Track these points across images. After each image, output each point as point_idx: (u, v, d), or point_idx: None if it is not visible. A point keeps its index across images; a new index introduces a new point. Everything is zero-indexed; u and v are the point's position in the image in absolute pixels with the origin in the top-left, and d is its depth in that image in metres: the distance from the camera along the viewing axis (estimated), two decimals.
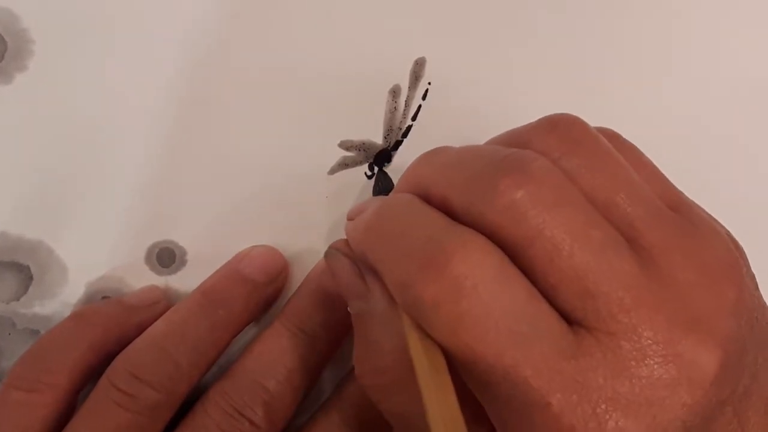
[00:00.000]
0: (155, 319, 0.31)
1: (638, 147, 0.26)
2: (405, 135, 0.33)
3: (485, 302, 0.22)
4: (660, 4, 0.34)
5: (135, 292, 0.33)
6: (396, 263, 0.24)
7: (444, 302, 0.22)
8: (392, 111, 0.33)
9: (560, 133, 0.25)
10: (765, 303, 0.25)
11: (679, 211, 0.25)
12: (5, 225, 0.33)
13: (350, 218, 0.29)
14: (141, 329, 0.31)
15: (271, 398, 0.30)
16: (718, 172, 0.34)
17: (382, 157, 0.33)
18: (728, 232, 0.26)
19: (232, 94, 0.33)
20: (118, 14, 0.32)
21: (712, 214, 0.26)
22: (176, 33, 0.33)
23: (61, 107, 0.32)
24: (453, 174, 0.25)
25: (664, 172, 0.26)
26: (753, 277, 0.25)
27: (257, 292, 0.32)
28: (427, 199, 0.25)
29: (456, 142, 0.27)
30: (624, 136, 0.27)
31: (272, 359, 0.31)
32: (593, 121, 0.26)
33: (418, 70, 0.33)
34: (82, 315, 0.31)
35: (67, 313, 0.32)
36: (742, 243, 0.26)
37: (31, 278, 0.33)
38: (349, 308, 0.27)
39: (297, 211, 0.33)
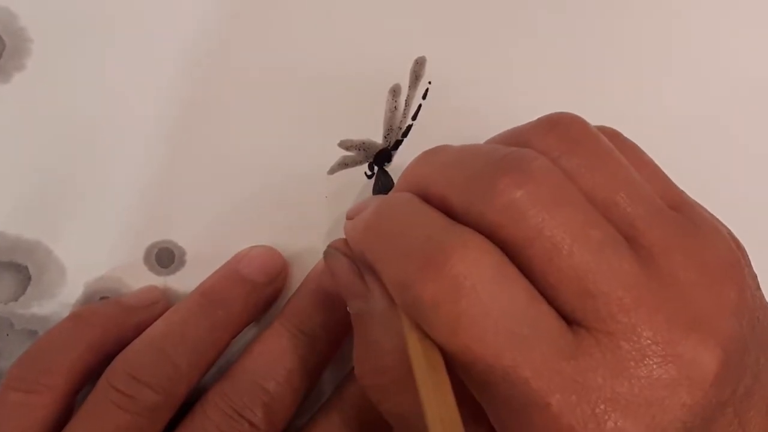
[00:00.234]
0: (154, 320, 0.31)
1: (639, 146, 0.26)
2: (405, 134, 0.33)
3: (484, 302, 0.22)
4: (660, 4, 0.34)
5: (134, 293, 0.33)
6: (395, 263, 0.24)
7: (443, 302, 0.22)
8: (392, 110, 0.33)
9: (560, 132, 0.25)
10: (767, 303, 0.25)
11: (680, 210, 0.25)
12: (3, 225, 0.33)
13: (349, 217, 0.29)
14: (140, 330, 0.31)
15: (271, 399, 0.30)
16: (718, 171, 0.34)
17: (382, 156, 0.33)
18: (730, 231, 0.26)
19: (232, 94, 0.33)
20: (117, 14, 0.32)
21: (714, 214, 0.26)
22: (176, 33, 0.33)
23: (59, 107, 0.32)
24: (452, 173, 0.25)
25: (664, 171, 0.26)
26: (755, 276, 0.25)
27: (257, 293, 0.32)
28: (427, 199, 0.25)
29: (456, 141, 0.27)
30: (624, 135, 0.26)
31: (272, 360, 0.31)
32: (593, 120, 0.26)
33: (418, 69, 0.33)
34: (81, 315, 0.31)
35: (65, 313, 0.32)
36: (743, 243, 0.26)
37: (29, 278, 0.33)
38: (348, 308, 0.27)
39: (297, 211, 0.33)
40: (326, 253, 0.29)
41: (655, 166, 0.26)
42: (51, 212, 0.33)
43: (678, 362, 0.21)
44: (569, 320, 0.22)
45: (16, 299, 0.33)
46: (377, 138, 0.33)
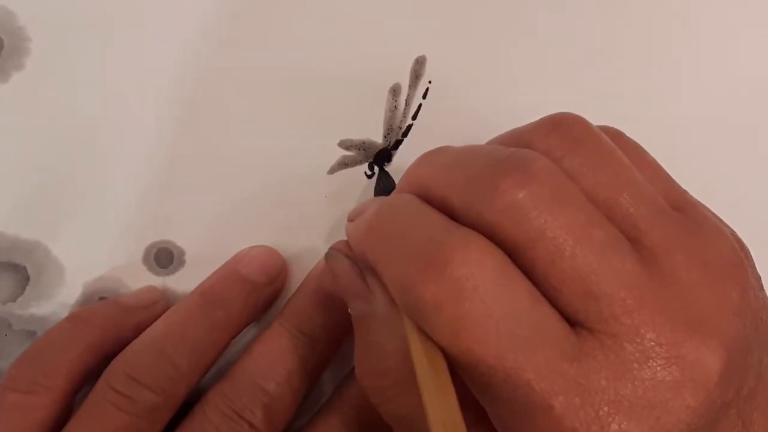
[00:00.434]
0: (153, 320, 0.31)
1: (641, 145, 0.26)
2: (405, 134, 0.33)
3: (486, 304, 0.22)
4: (660, 4, 0.34)
5: (133, 293, 0.33)
6: (396, 264, 0.24)
7: (444, 304, 0.22)
8: (392, 110, 0.33)
9: (562, 132, 0.25)
10: None
11: (683, 210, 0.25)
12: (1, 225, 0.32)
13: (351, 219, 0.29)
14: (139, 330, 0.31)
15: (271, 400, 0.30)
16: (719, 171, 0.34)
17: (382, 156, 0.33)
18: (733, 231, 0.26)
19: (232, 94, 0.33)
20: (117, 13, 0.32)
21: (717, 214, 0.26)
22: (176, 33, 0.33)
23: (58, 106, 0.32)
24: (454, 174, 0.25)
25: (667, 170, 0.26)
26: (758, 277, 0.25)
27: (256, 293, 0.32)
28: (428, 200, 0.25)
29: (456, 141, 0.27)
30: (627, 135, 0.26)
31: (272, 361, 0.31)
32: (594, 120, 0.26)
33: (418, 68, 0.33)
34: (80, 316, 0.31)
35: (64, 314, 0.32)
36: (747, 243, 0.26)
37: (27, 279, 0.33)
38: (350, 310, 0.27)
39: (296, 211, 0.33)
40: (328, 255, 0.29)
41: (658, 165, 0.26)
42: (50, 212, 0.32)
43: (681, 363, 0.21)
44: (572, 322, 0.22)
45: (14, 300, 0.33)
46: (377, 138, 0.33)
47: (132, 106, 0.32)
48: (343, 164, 0.33)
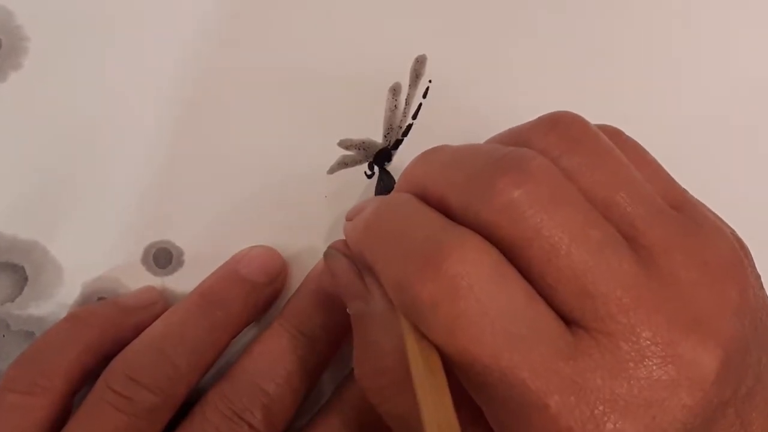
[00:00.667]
0: (152, 321, 0.31)
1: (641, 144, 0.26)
2: (405, 134, 0.33)
3: (482, 302, 0.22)
4: (660, 4, 0.34)
5: (132, 293, 0.33)
6: (393, 263, 0.24)
7: (441, 302, 0.22)
8: (392, 109, 0.33)
9: (560, 131, 0.25)
10: None
11: (683, 209, 0.24)
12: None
13: (349, 218, 0.29)
14: (138, 331, 0.31)
15: (271, 401, 0.30)
16: (719, 171, 0.34)
17: (382, 156, 0.33)
18: (733, 231, 0.25)
19: (232, 94, 0.33)
20: (116, 13, 0.32)
21: (717, 214, 0.26)
22: (176, 33, 0.33)
23: (56, 106, 0.32)
24: (451, 173, 0.25)
25: (666, 169, 0.26)
26: (758, 276, 0.25)
27: (256, 293, 0.32)
28: (426, 199, 0.25)
29: (456, 141, 0.27)
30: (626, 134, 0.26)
31: (271, 361, 0.31)
32: (593, 119, 0.25)
33: (418, 67, 0.33)
34: (78, 316, 0.31)
35: (62, 314, 0.32)
36: (747, 243, 0.25)
37: (26, 279, 0.33)
38: (348, 309, 0.27)
39: (296, 210, 0.33)
40: (326, 254, 0.29)
41: (657, 164, 0.26)
42: (48, 212, 0.32)
43: (678, 363, 0.21)
44: (568, 320, 0.22)
45: (12, 300, 0.33)
46: (377, 137, 0.33)
47: (132, 106, 0.32)
48: (343, 164, 0.33)
